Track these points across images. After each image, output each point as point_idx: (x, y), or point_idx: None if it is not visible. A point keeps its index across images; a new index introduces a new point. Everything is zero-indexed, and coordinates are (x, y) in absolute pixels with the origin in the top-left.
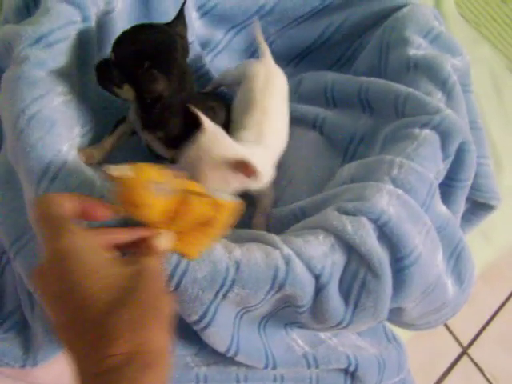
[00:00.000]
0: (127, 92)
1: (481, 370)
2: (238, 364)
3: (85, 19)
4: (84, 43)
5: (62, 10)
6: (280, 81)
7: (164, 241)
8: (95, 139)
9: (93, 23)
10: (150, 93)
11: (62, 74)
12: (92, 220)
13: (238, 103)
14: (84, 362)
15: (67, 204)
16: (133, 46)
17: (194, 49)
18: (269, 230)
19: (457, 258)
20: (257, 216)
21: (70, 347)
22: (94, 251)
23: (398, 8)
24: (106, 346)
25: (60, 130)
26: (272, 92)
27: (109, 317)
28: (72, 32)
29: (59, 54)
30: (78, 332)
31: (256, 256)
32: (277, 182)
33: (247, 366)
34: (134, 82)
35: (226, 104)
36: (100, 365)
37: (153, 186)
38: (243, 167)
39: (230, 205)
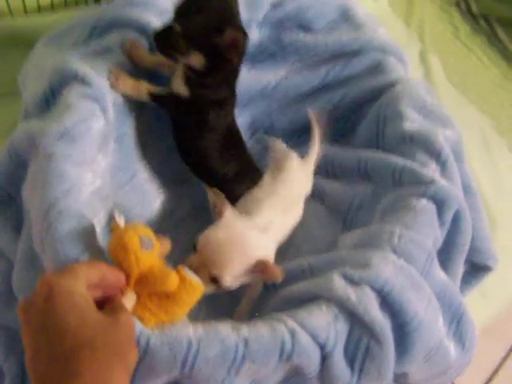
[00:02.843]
0: (195, 58)
1: None
2: None
3: (103, 110)
4: (104, 130)
5: (82, 105)
6: (308, 185)
7: (127, 302)
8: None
9: (111, 111)
10: (232, 53)
11: (88, 164)
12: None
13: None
14: None
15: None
16: (203, 15)
17: None
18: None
19: (458, 322)
20: (243, 304)
21: (37, 379)
22: (82, 296)
23: (393, 84)
24: (70, 380)
25: (88, 223)
26: (299, 198)
27: (78, 353)
28: (93, 123)
29: (83, 146)
30: (48, 364)
31: (263, 331)
32: (284, 252)
33: None
34: (207, 48)
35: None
36: None
37: (140, 236)
38: (263, 268)
39: (198, 287)
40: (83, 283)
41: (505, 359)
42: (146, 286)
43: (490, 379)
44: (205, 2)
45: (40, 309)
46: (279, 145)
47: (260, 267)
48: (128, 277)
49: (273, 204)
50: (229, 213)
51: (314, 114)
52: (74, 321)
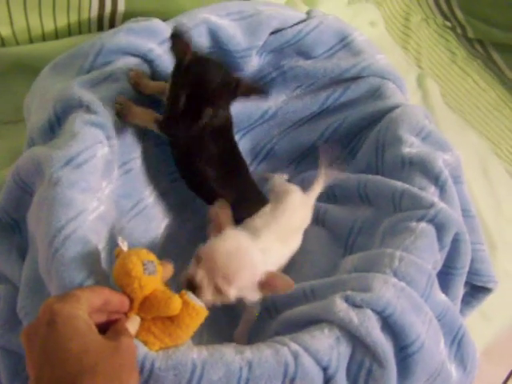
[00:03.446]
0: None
1: None
2: None
3: (108, 137)
4: (109, 157)
5: (87, 132)
6: (307, 219)
7: (131, 325)
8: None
9: (115, 139)
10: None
11: (93, 191)
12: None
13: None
14: None
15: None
16: (220, 83)
17: None
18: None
19: (458, 343)
20: (241, 326)
21: None
22: (84, 321)
23: (391, 109)
24: None
25: (93, 248)
26: (298, 230)
27: (80, 378)
28: (98, 151)
29: (88, 173)
30: None
31: (266, 354)
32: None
33: None
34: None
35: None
36: None
37: (143, 261)
38: (273, 280)
39: (201, 310)
40: (85, 308)
41: (506, 381)
42: (149, 310)
43: None
44: (210, 72)
45: (42, 334)
46: (279, 179)
47: (270, 279)
48: (132, 301)
49: (270, 233)
50: (231, 227)
51: (324, 148)
52: (76, 346)
